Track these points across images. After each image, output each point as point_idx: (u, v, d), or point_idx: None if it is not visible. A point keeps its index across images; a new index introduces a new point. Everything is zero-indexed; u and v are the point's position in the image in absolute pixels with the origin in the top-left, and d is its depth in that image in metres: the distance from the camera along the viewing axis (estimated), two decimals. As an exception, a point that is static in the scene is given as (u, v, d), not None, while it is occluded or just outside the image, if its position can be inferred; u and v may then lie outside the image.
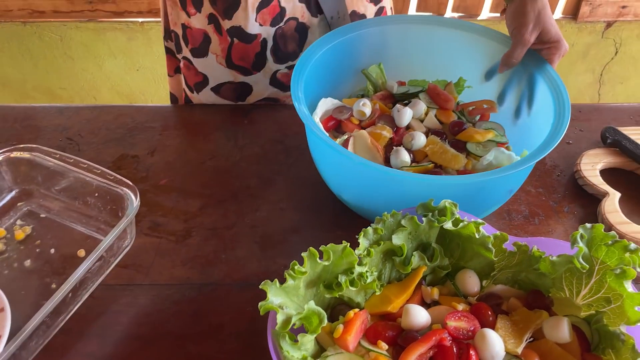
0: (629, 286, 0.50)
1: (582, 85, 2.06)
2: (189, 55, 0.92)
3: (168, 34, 0.96)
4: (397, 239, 0.56)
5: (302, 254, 0.52)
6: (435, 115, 0.78)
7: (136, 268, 0.70)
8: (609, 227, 0.73)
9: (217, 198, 0.79)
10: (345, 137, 0.72)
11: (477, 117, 0.80)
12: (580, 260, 0.52)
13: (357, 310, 0.54)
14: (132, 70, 1.92)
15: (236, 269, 0.70)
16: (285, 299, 0.51)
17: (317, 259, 0.52)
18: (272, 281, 0.50)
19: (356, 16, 0.93)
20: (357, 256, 0.54)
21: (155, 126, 0.90)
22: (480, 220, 0.57)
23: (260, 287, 0.50)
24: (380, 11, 0.96)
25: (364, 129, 0.75)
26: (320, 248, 0.53)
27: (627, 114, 0.94)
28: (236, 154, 0.86)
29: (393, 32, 0.82)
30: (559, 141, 0.62)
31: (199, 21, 0.87)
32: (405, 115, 0.75)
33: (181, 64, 0.95)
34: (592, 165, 0.81)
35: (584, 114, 0.94)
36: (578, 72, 2.02)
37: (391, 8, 1.00)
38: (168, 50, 0.99)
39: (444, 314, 0.53)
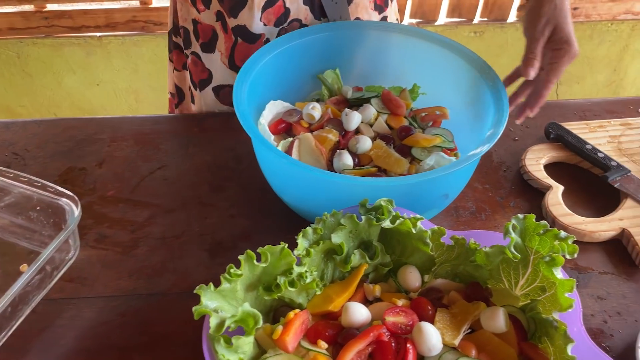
0: (559, 273, 0.51)
1: (540, 86, 2.10)
2: (199, 50, 0.92)
3: (176, 29, 0.96)
4: (337, 238, 0.57)
5: (239, 257, 0.52)
6: (386, 121, 0.79)
7: (81, 281, 0.69)
8: (552, 220, 0.75)
9: (166, 207, 0.78)
10: (290, 140, 0.73)
11: (430, 123, 0.81)
12: (512, 250, 0.53)
13: (297, 311, 0.55)
14: (92, 85, 1.90)
15: (183, 278, 0.69)
16: (222, 303, 0.50)
17: (254, 261, 0.52)
18: (207, 285, 0.49)
19: None
20: (295, 257, 0.54)
21: (104, 138, 0.89)
22: (418, 216, 0.58)
23: (194, 291, 0.49)
24: (384, 20, 0.96)
25: (313, 132, 0.76)
26: (257, 250, 0.53)
27: (571, 110, 0.97)
28: (186, 162, 0.85)
29: (351, 38, 0.83)
30: (486, 150, 0.63)
31: (208, 17, 0.88)
32: (354, 119, 0.76)
33: (189, 60, 0.95)
34: (537, 160, 0.83)
35: (530, 111, 0.96)
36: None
37: (397, 19, 1.01)
38: (176, 46, 0.99)
39: (384, 310, 0.54)
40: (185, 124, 0.93)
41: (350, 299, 0.57)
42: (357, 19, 0.92)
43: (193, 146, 0.88)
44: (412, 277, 0.59)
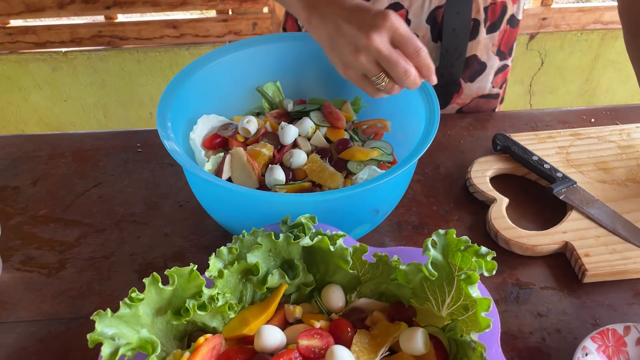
0: (475, 291, 0.49)
1: (513, 97, 2.10)
2: None
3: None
4: (253, 257, 0.54)
5: (144, 280, 0.50)
6: (326, 134, 0.77)
7: (2, 305, 0.66)
8: (495, 233, 0.73)
9: (98, 227, 0.76)
10: (222, 155, 0.70)
11: (371, 136, 0.79)
12: (429, 267, 0.51)
13: (208, 335, 0.52)
14: (59, 101, 1.88)
15: (109, 301, 0.67)
16: (124, 329, 0.48)
17: (160, 284, 0.50)
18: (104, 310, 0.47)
19: (475, 61, 0.92)
20: (206, 278, 0.52)
21: (42, 155, 0.87)
22: (340, 233, 0.56)
23: (91, 318, 0.47)
24: (504, 68, 0.96)
25: (249, 146, 0.74)
26: (165, 272, 0.51)
27: (523, 121, 0.95)
28: (124, 179, 0.83)
29: (293, 49, 0.81)
30: (412, 163, 0.61)
31: None
32: (290, 132, 0.74)
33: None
34: (483, 172, 0.82)
35: (481, 122, 0.95)
36: (509, 84, 2.06)
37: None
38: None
39: (300, 332, 0.51)
40: (127, 139, 0.91)
41: (269, 321, 0.54)
42: (474, 56, 0.91)
43: (133, 162, 0.86)
44: (335, 297, 0.56)
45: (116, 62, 1.76)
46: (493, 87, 0.96)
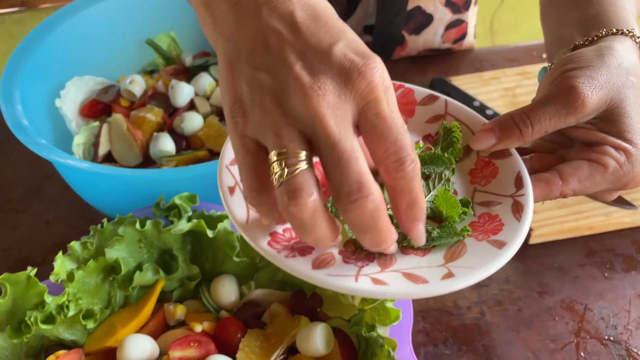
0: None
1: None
2: None
3: None
4: (113, 252, 0.44)
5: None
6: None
7: None
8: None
9: (-34, 219, 0.64)
10: (97, 125, 0.59)
11: None
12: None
13: (62, 352, 0.42)
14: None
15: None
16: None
17: (-14, 297, 0.39)
18: None
19: (419, 12, 0.80)
20: (49, 284, 0.41)
21: None
22: (226, 212, 0.46)
23: None
24: (458, 23, 0.83)
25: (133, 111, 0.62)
26: (-4, 280, 0.40)
27: (467, 61, 0.84)
28: (2, 160, 0.71)
29: None
30: None
31: None
32: (182, 92, 0.62)
33: None
34: (418, 124, 0.71)
35: (420, 66, 0.83)
36: (469, 24, 1.94)
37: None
38: None
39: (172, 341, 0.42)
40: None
41: (142, 328, 0.45)
42: (418, 7, 0.78)
43: (13, 139, 0.73)
44: (226, 291, 0.46)
45: (33, 25, 1.58)
46: (444, 42, 0.83)
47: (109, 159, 0.59)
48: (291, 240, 0.33)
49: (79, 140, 0.57)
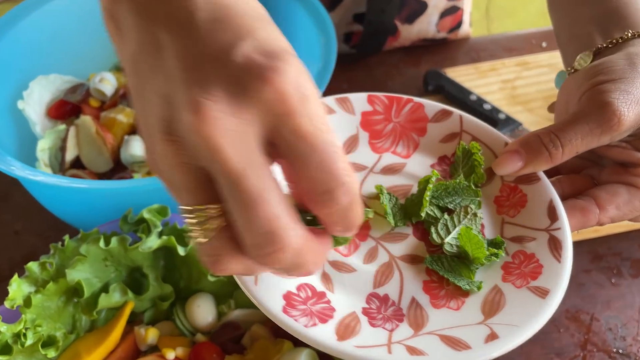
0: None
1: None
2: None
3: None
4: (75, 273, 0.40)
5: None
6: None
7: None
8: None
9: None
10: (63, 127, 0.54)
11: None
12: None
13: (18, 386, 0.38)
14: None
15: None
16: None
17: None
18: None
19: (412, 0, 0.75)
20: (4, 310, 0.37)
21: None
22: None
23: None
24: (454, 10, 0.77)
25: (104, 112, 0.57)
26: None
27: (463, 51, 0.80)
28: (-31, 164, 0.66)
29: None
30: None
31: None
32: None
33: None
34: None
35: (413, 57, 0.79)
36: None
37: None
38: None
39: (143, 371, 0.38)
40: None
41: (111, 354, 0.41)
42: None
43: (-19, 142, 0.69)
44: (202, 312, 0.42)
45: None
46: (439, 31, 0.78)
47: (77, 164, 0.54)
48: (308, 302, 0.29)
49: (44, 145, 0.52)
